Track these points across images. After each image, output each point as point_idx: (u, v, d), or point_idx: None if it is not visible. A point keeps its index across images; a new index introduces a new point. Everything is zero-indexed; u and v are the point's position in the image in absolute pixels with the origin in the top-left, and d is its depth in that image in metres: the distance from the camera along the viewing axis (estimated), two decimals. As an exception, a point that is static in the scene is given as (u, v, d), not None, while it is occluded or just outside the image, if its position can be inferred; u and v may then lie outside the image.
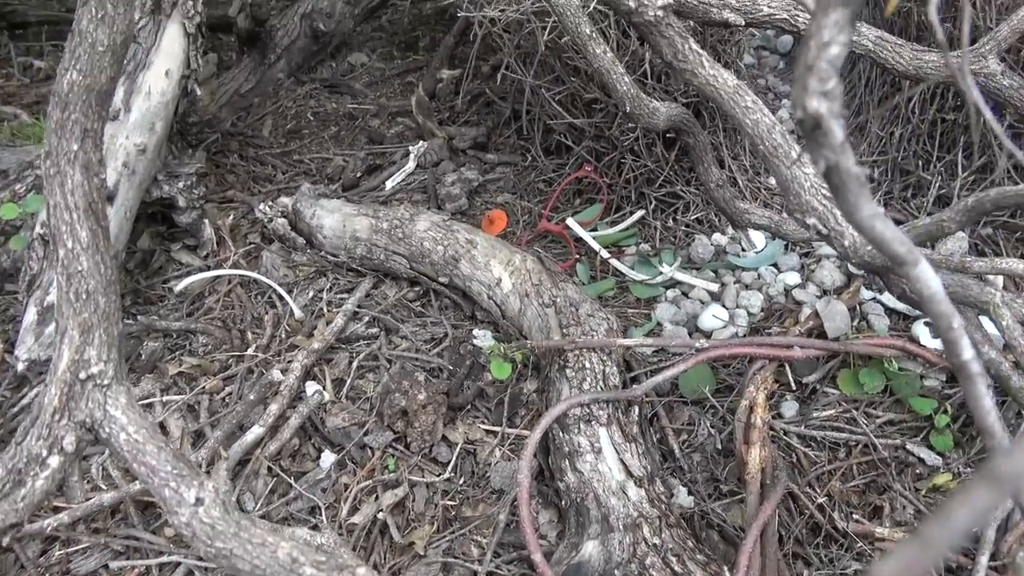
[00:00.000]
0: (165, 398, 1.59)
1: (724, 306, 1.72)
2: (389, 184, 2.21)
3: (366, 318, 1.75)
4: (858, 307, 1.61)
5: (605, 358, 1.47)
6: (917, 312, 1.47)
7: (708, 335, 1.67)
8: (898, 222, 1.80)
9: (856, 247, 0.88)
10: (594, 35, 1.28)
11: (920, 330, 1.52)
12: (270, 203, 2.00)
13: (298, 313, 1.77)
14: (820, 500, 1.32)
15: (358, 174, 2.24)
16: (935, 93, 1.69)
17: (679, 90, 1.78)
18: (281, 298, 1.81)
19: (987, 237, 1.74)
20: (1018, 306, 0.88)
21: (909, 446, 1.40)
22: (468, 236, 1.76)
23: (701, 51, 1.08)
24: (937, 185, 1.75)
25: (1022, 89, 1.15)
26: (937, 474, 1.37)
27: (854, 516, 1.31)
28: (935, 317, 0.55)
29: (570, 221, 1.92)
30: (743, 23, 1.23)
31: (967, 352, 0.54)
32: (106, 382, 0.81)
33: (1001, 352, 1.04)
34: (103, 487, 1.42)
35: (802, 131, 0.47)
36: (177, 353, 1.71)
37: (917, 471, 1.38)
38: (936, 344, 1.47)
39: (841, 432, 1.44)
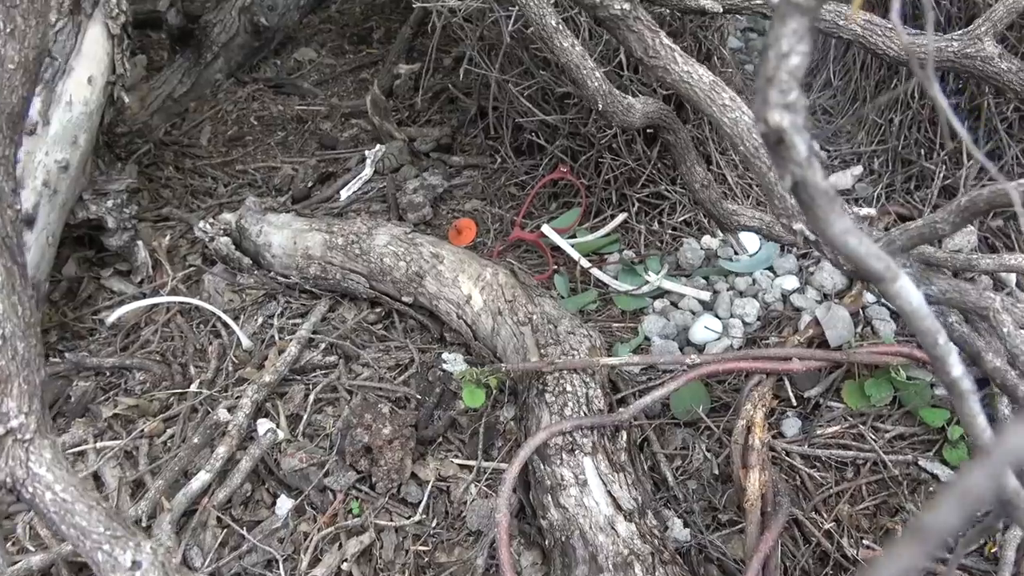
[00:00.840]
0: (99, 444, 1.58)
1: (717, 316, 1.75)
2: (344, 194, 2.22)
3: (323, 345, 1.76)
4: (861, 312, 1.65)
5: (588, 380, 1.49)
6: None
7: (700, 348, 1.70)
8: (903, 217, 1.85)
9: (847, 253, 0.91)
10: (561, 27, 1.30)
11: (929, 334, 1.56)
12: (211, 220, 2.00)
13: (246, 343, 1.77)
14: (827, 526, 1.35)
15: (309, 184, 2.25)
16: (934, 75, 1.74)
17: (658, 82, 1.81)
18: (227, 326, 1.81)
19: (998, 229, 1.79)
20: (1020, 311, 0.91)
21: (921, 462, 1.43)
22: (433, 249, 1.78)
23: (674, 46, 1.11)
24: (941, 175, 1.80)
25: (1022, 72, 1.19)
26: (953, 491, 1.40)
27: (864, 542, 1.34)
28: (920, 334, 0.57)
29: (545, 228, 1.94)
30: (720, 9, 1.27)
31: (956, 369, 0.57)
32: (28, 436, 0.81)
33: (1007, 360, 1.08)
34: (31, 548, 1.41)
35: (766, 145, 0.49)
36: (111, 393, 1.70)
37: (931, 489, 1.41)
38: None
39: (848, 450, 1.47)
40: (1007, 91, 1.20)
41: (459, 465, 1.52)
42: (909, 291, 0.55)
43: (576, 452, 1.36)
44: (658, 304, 1.82)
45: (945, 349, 0.56)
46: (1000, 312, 0.90)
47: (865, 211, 0.91)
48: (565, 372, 1.48)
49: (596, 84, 1.26)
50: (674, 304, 1.81)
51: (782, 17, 0.47)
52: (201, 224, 1.99)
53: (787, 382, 1.54)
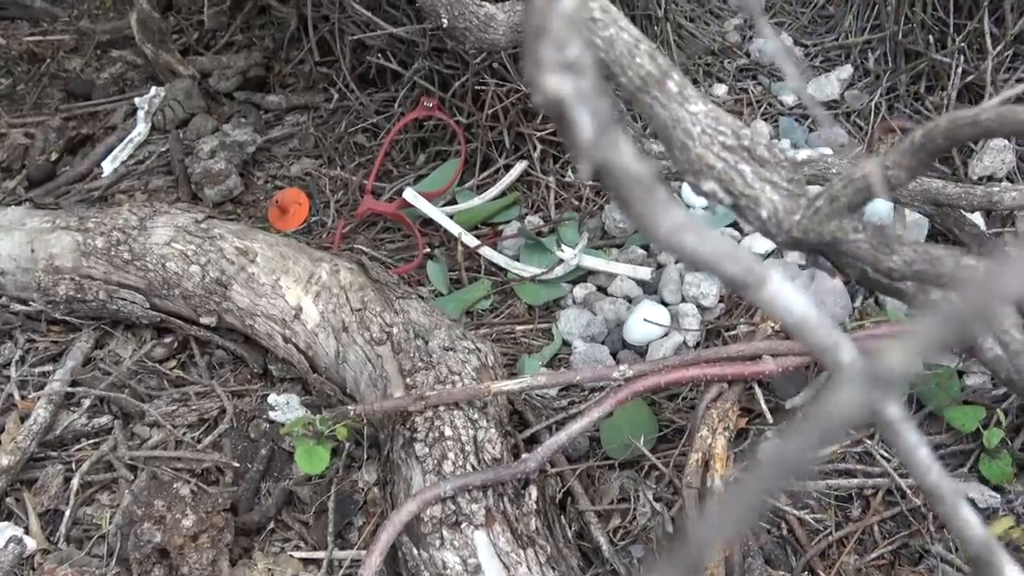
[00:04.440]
0: None
1: (663, 302, 1.79)
2: (108, 167, 2.20)
3: (87, 401, 1.75)
4: (860, 277, 1.72)
5: (477, 416, 1.51)
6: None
7: (642, 351, 1.74)
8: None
9: (779, 218, 0.94)
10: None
11: (953, 301, 1.64)
12: (-99, 227, 1.96)
13: (-30, 409, 1.75)
14: (827, 589, 1.42)
15: (52, 156, 2.22)
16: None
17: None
18: (-62, 387, 1.78)
19: (1043, 142, 1.88)
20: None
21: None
22: (239, 243, 1.77)
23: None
24: (959, 70, 1.87)
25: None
26: (995, 519, 1.48)
27: (877, 606, 1.41)
28: (814, 350, 0.61)
29: (409, 194, 1.95)
30: None
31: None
32: None
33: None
34: None
35: (552, 121, 0.52)
36: None
37: (966, 520, 1.49)
38: (976, 320, 1.59)
39: (852, 477, 1.53)
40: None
41: (301, 560, 1.54)
42: (787, 297, 0.58)
43: (462, 525, 1.39)
44: (579, 292, 1.85)
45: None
46: (984, 284, 0.94)
47: (803, 154, 0.94)
48: (442, 409, 1.50)
49: (435, -11, 1.28)
50: (602, 290, 1.85)
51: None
52: None
53: (758, 390, 1.59)
